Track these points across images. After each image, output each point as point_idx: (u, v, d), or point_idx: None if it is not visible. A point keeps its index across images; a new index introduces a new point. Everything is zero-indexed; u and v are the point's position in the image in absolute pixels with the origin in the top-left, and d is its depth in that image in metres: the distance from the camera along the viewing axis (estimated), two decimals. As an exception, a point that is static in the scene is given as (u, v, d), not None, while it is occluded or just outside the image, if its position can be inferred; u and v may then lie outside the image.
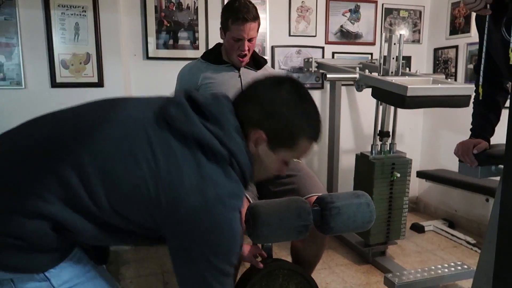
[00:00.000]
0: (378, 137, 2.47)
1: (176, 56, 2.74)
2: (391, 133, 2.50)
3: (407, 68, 2.66)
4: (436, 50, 3.33)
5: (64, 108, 0.98)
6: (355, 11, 3.18)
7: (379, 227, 2.38)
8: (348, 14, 3.16)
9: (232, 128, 0.90)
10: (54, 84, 2.41)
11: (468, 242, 2.79)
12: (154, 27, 2.70)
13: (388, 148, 2.46)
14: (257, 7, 1.75)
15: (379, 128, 2.48)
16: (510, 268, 0.84)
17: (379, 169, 2.33)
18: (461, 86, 2.17)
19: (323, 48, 3.13)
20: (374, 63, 2.84)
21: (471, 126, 1.52)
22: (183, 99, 0.91)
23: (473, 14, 1.76)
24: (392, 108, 2.50)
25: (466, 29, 3.04)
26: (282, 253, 2.34)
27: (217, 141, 0.87)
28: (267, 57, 2.97)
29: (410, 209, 2.81)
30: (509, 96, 1.49)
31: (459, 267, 2.03)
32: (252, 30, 1.70)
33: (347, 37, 3.19)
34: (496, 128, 1.48)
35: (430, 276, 1.94)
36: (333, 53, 3.16)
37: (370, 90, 2.23)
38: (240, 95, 1.00)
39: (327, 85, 3.12)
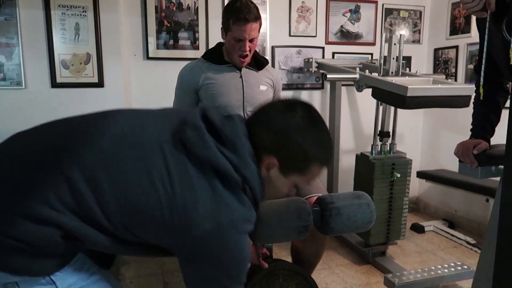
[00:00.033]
0: (378, 137, 2.47)
1: (176, 56, 2.74)
2: (391, 133, 2.50)
3: (407, 69, 2.66)
4: (436, 50, 3.33)
5: (80, 116, 0.98)
6: (355, 11, 3.18)
7: (379, 227, 2.38)
8: (348, 14, 3.16)
9: (247, 154, 0.91)
10: (54, 84, 2.41)
11: (468, 243, 2.79)
12: (154, 27, 2.70)
13: (388, 148, 2.46)
14: (258, 7, 1.74)
15: (379, 128, 2.48)
16: (510, 268, 0.84)
17: (379, 169, 2.33)
18: (461, 87, 2.17)
19: (323, 48, 3.13)
20: (374, 63, 2.84)
21: (471, 127, 1.52)
22: (199, 122, 0.92)
23: (473, 15, 1.76)
24: (392, 108, 2.50)
25: (466, 29, 3.04)
26: (282, 253, 2.34)
27: (232, 167, 0.88)
28: (267, 57, 2.96)
29: (410, 209, 2.81)
30: (510, 96, 1.49)
31: (459, 268, 2.03)
32: (253, 31, 1.69)
33: (347, 37, 3.19)
34: (496, 128, 1.48)
35: (430, 277, 1.94)
36: (333, 53, 3.16)
37: (370, 90, 2.23)
38: (253, 117, 1.00)
39: (327, 85, 3.13)
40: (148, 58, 2.73)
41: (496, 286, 0.88)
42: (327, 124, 2.94)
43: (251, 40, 1.71)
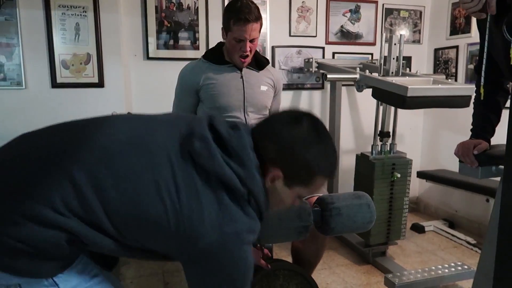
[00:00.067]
0: (378, 137, 2.47)
1: (176, 57, 2.74)
2: (391, 134, 2.50)
3: (408, 69, 2.66)
4: (436, 50, 3.33)
5: (85, 120, 0.98)
6: (356, 11, 3.18)
7: (379, 227, 2.38)
8: (348, 14, 3.16)
9: (253, 167, 0.92)
10: (55, 84, 2.41)
11: (468, 243, 2.79)
12: (154, 27, 2.70)
13: (388, 149, 2.46)
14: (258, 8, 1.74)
15: (379, 129, 2.49)
16: (510, 268, 0.84)
17: (380, 169, 2.34)
18: (462, 87, 2.17)
19: (323, 48, 3.13)
20: (375, 63, 2.84)
21: (471, 127, 1.52)
22: (207, 132, 0.93)
23: (474, 15, 1.76)
24: (393, 108, 2.50)
25: (466, 29, 3.04)
26: (282, 253, 2.34)
27: (239, 180, 0.89)
28: (268, 57, 2.96)
29: (410, 210, 2.81)
30: (510, 96, 1.49)
31: (460, 268, 2.03)
32: (254, 31, 1.68)
33: (347, 37, 3.19)
34: (496, 129, 1.48)
35: (430, 277, 1.94)
36: (334, 53, 3.16)
37: (370, 90, 2.23)
38: (259, 129, 1.01)
39: (328, 86, 3.13)
40: (148, 58, 2.73)
41: (497, 286, 0.88)
42: (327, 124, 2.99)
43: (251, 41, 1.70)
